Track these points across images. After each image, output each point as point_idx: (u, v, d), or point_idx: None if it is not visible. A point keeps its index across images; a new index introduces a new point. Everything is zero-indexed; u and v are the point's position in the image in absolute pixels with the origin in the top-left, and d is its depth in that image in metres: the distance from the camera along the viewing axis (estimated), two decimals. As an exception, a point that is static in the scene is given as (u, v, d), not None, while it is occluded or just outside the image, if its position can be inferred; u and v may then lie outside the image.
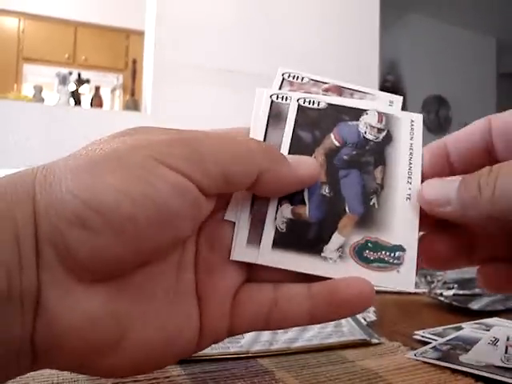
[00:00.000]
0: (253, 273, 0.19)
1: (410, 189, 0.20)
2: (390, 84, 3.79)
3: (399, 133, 0.21)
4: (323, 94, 0.22)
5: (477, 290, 0.37)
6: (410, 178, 0.20)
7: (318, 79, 0.22)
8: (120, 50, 3.66)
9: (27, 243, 0.14)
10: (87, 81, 2.98)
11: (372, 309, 0.33)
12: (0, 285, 0.14)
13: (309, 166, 0.19)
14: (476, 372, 0.23)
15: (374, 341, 0.28)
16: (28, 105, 2.30)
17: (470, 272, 0.38)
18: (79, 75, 2.93)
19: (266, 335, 0.27)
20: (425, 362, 0.24)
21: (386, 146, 0.21)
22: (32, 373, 0.21)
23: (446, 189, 0.18)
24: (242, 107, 2.03)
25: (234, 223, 0.19)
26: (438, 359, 0.24)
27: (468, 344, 0.26)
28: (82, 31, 3.56)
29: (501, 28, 3.92)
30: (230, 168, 0.16)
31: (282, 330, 0.27)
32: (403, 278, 0.18)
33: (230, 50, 2.08)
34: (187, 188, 0.16)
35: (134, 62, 2.79)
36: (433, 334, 0.28)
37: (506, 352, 0.25)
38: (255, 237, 0.19)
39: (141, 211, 0.15)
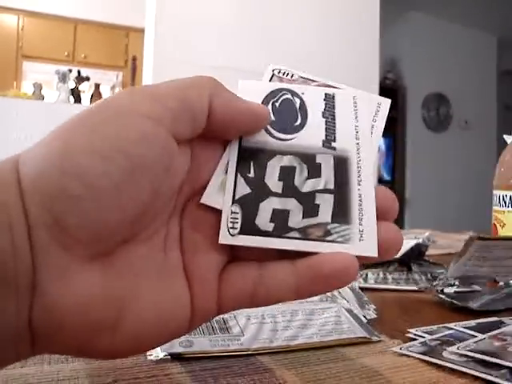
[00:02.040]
0: (236, 253, 0.19)
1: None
2: (390, 82, 3.78)
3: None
4: None
5: (478, 288, 0.37)
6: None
7: (307, 77, 0.23)
8: (120, 48, 3.65)
9: (19, 226, 0.14)
10: (87, 78, 2.98)
11: (372, 306, 0.33)
12: None
13: (259, 105, 0.20)
14: (454, 367, 0.23)
15: (375, 338, 0.28)
16: (27, 102, 2.29)
17: (472, 270, 0.38)
18: (79, 73, 2.93)
19: (266, 333, 0.27)
20: (423, 360, 0.24)
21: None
22: (32, 370, 0.22)
23: None
24: (242, 105, 2.03)
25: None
26: (421, 353, 0.25)
27: (458, 341, 0.26)
28: (81, 28, 3.56)
29: (501, 25, 3.91)
30: (185, 95, 0.17)
31: (282, 328, 0.27)
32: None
33: (229, 47, 2.07)
34: (155, 133, 0.16)
35: (134, 59, 2.79)
36: (425, 332, 0.28)
37: (490, 347, 0.25)
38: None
39: (112, 165, 0.15)
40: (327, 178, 0.20)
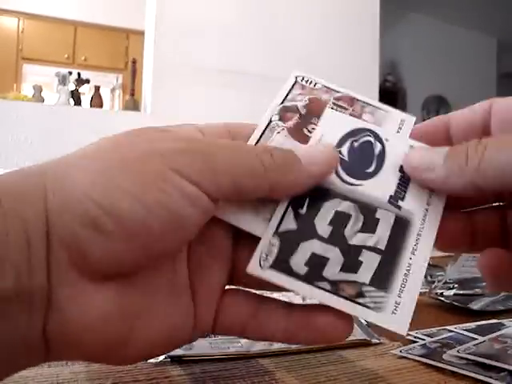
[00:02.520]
0: (235, 274, 0.20)
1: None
2: (390, 84, 3.79)
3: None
4: (334, 103, 0.21)
5: (477, 290, 0.37)
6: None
7: (331, 87, 0.22)
8: (120, 50, 3.66)
9: (38, 243, 0.14)
10: (87, 81, 2.98)
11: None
12: (6, 284, 0.14)
13: (323, 159, 0.19)
14: (455, 369, 0.23)
15: (375, 341, 0.27)
16: (27, 105, 2.29)
17: (470, 272, 0.38)
18: (79, 75, 2.93)
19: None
20: (424, 363, 0.24)
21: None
22: (32, 373, 0.21)
23: (433, 156, 0.19)
24: (242, 107, 2.03)
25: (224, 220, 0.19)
26: (421, 356, 0.24)
27: (458, 343, 0.26)
28: (81, 31, 3.56)
29: (502, 28, 3.92)
30: (241, 181, 0.17)
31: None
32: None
33: (229, 50, 2.07)
34: (199, 198, 0.16)
35: (134, 61, 2.79)
36: (425, 335, 0.28)
37: (490, 349, 0.25)
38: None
39: (154, 218, 0.15)
40: (381, 236, 0.18)
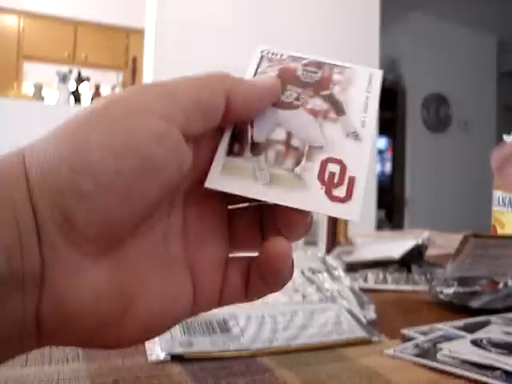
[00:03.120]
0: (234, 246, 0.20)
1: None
2: (390, 82, 3.78)
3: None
4: (303, 69, 0.22)
5: (477, 288, 0.37)
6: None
7: (297, 55, 0.22)
8: (120, 48, 3.65)
9: (27, 223, 0.14)
10: (87, 79, 2.98)
11: (372, 307, 0.33)
12: (0, 269, 0.14)
13: (268, 77, 0.20)
14: (449, 369, 0.23)
15: (375, 339, 0.28)
16: (28, 103, 2.29)
17: (470, 270, 0.38)
18: (79, 73, 2.93)
19: (266, 333, 0.27)
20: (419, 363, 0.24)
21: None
22: (32, 371, 0.22)
23: None
24: (242, 105, 2.03)
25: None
26: (415, 355, 0.25)
27: (448, 341, 0.26)
28: (82, 29, 3.56)
29: (501, 26, 3.91)
30: (200, 94, 0.17)
31: (282, 328, 0.27)
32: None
33: (230, 48, 2.07)
34: (168, 133, 0.16)
35: (134, 60, 2.79)
36: (418, 333, 0.28)
37: (484, 349, 0.25)
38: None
39: (124, 163, 0.15)
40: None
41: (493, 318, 0.31)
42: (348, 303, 0.32)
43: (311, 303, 0.32)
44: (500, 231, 0.45)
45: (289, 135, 0.20)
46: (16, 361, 0.23)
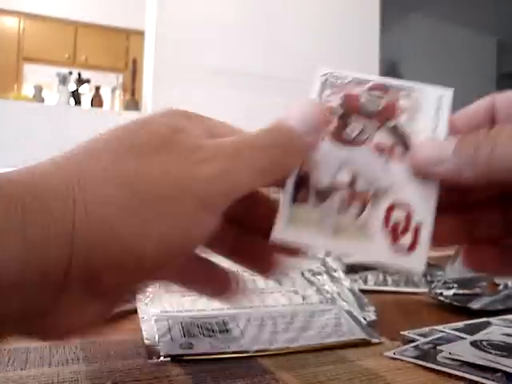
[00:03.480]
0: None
1: None
2: (390, 84, 3.78)
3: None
4: (368, 94, 0.21)
5: (477, 290, 0.37)
6: None
7: (361, 77, 0.21)
8: (120, 50, 3.66)
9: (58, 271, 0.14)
10: (87, 81, 2.98)
11: (372, 308, 0.33)
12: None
13: (312, 119, 0.19)
14: (450, 371, 0.23)
15: (374, 340, 0.28)
16: (28, 105, 2.30)
17: (470, 271, 0.38)
18: (79, 75, 2.93)
19: (266, 334, 0.27)
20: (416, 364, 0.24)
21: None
22: (32, 372, 0.22)
23: (442, 148, 0.18)
24: (241, 107, 2.03)
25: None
26: (415, 358, 0.24)
27: (448, 343, 0.26)
28: (82, 31, 3.56)
29: (501, 28, 3.92)
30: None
31: (281, 329, 0.27)
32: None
33: (230, 49, 2.07)
34: (208, 224, 0.17)
35: (134, 61, 2.79)
36: (418, 335, 0.28)
37: (484, 351, 0.25)
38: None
39: (172, 259, 0.17)
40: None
41: (493, 319, 0.31)
42: (348, 305, 0.32)
43: (311, 305, 0.32)
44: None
45: (353, 177, 0.19)
46: (16, 362, 0.23)
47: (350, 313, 0.31)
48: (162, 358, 0.23)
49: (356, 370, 0.23)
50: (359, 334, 0.28)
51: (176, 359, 0.23)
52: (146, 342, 0.25)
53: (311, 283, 0.35)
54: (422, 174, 0.19)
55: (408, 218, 0.18)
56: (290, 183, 0.19)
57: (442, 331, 0.29)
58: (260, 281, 0.33)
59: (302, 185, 0.19)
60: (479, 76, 4.03)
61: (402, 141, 0.19)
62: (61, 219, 0.14)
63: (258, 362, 0.24)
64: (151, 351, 0.24)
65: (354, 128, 0.20)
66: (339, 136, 0.20)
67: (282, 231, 0.18)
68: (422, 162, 0.19)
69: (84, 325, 0.16)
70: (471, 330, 0.29)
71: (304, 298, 0.34)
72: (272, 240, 0.18)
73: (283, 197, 0.19)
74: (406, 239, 0.18)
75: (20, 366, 0.22)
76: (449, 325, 0.30)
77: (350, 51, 2.29)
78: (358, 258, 0.18)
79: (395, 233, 0.18)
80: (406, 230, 0.18)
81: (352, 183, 0.19)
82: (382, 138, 0.19)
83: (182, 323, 0.27)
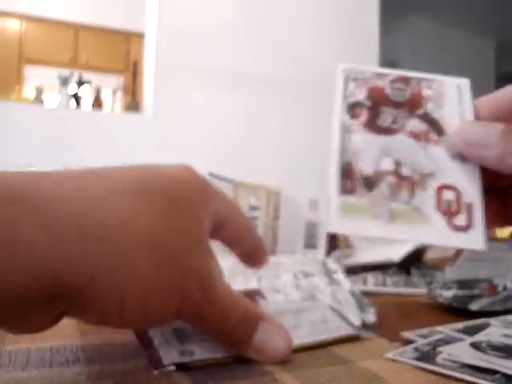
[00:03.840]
0: None
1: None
2: (390, 86, 3.78)
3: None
4: (391, 87, 0.21)
5: (476, 291, 0.37)
6: None
7: (380, 71, 0.22)
8: (121, 52, 3.66)
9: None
10: (88, 82, 2.98)
11: (372, 310, 0.33)
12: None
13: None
14: (449, 373, 0.23)
15: (363, 335, 0.28)
16: (29, 106, 2.30)
17: (469, 273, 0.38)
18: (80, 77, 2.93)
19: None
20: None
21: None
22: (33, 373, 0.22)
23: (488, 132, 0.18)
24: (242, 109, 2.04)
25: None
26: (415, 359, 0.25)
27: (448, 344, 0.26)
28: (83, 33, 3.57)
29: (500, 30, 3.92)
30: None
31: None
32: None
33: (230, 51, 2.08)
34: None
35: (135, 63, 2.80)
36: (418, 336, 0.28)
37: (484, 352, 0.25)
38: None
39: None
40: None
41: (492, 320, 0.31)
42: (337, 303, 0.32)
43: (295, 301, 0.32)
44: (499, 234, 0.45)
45: (397, 163, 0.19)
46: (17, 363, 0.23)
47: (332, 308, 0.31)
48: (167, 368, 0.22)
49: (356, 371, 0.23)
50: (346, 329, 0.28)
51: (180, 368, 0.23)
52: (147, 352, 0.24)
53: (296, 285, 0.35)
54: (467, 155, 0.18)
55: (458, 199, 0.18)
56: (333, 174, 0.19)
57: (442, 332, 0.29)
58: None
59: (347, 176, 0.19)
60: (478, 78, 4.02)
61: (435, 126, 0.20)
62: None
63: (257, 363, 0.24)
64: (154, 361, 0.23)
65: (386, 117, 0.20)
66: (374, 126, 0.20)
67: (337, 223, 0.18)
68: (469, 144, 0.18)
69: (48, 324, 0.19)
70: (471, 330, 0.29)
71: (286, 295, 0.34)
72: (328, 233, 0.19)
73: (330, 188, 0.19)
74: (461, 219, 0.18)
75: (21, 367, 0.22)
76: (448, 326, 0.30)
77: (350, 54, 2.29)
78: (418, 241, 0.18)
79: (450, 213, 0.18)
80: (458, 209, 0.18)
81: (396, 169, 0.19)
82: (414, 124, 0.20)
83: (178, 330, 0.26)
